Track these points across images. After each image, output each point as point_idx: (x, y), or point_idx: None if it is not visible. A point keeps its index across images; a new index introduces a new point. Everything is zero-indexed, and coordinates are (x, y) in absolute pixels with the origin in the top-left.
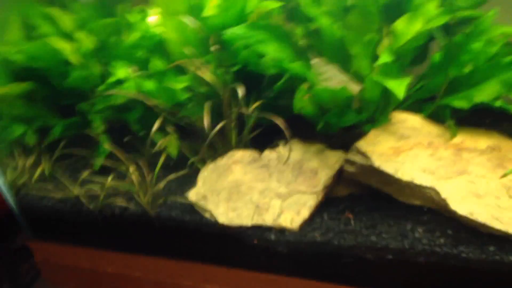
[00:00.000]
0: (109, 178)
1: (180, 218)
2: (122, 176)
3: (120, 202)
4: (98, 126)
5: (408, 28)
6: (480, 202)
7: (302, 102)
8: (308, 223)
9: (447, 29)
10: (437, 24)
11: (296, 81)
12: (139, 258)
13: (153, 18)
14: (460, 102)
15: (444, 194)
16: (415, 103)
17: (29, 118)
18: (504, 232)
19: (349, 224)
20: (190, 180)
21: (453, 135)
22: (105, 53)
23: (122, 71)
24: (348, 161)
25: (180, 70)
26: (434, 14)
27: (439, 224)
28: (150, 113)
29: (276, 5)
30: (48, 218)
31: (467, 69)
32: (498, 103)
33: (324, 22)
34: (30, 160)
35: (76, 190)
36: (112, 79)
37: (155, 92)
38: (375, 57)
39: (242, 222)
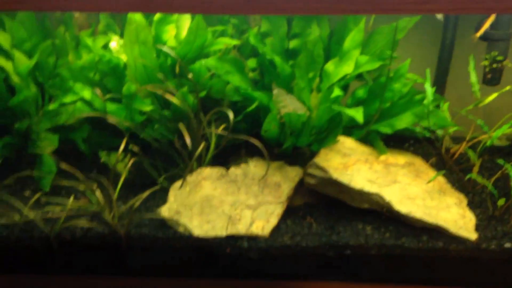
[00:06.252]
0: (71, 199)
1: (152, 234)
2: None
3: (82, 223)
4: (48, 145)
5: (336, 70)
6: (413, 203)
7: (270, 125)
8: (276, 230)
9: None
10: (367, 69)
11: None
12: (107, 280)
13: (114, 44)
14: (385, 129)
15: (387, 198)
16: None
17: None
18: (434, 224)
19: (311, 228)
20: (150, 198)
21: (383, 153)
22: (41, 72)
23: (86, 92)
24: (308, 175)
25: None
26: (365, 60)
27: (382, 222)
28: (96, 133)
29: (236, 42)
30: None
31: (388, 104)
32: (418, 129)
33: (277, 59)
34: None
35: (30, 214)
36: (70, 99)
37: (116, 113)
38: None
39: (217, 233)
